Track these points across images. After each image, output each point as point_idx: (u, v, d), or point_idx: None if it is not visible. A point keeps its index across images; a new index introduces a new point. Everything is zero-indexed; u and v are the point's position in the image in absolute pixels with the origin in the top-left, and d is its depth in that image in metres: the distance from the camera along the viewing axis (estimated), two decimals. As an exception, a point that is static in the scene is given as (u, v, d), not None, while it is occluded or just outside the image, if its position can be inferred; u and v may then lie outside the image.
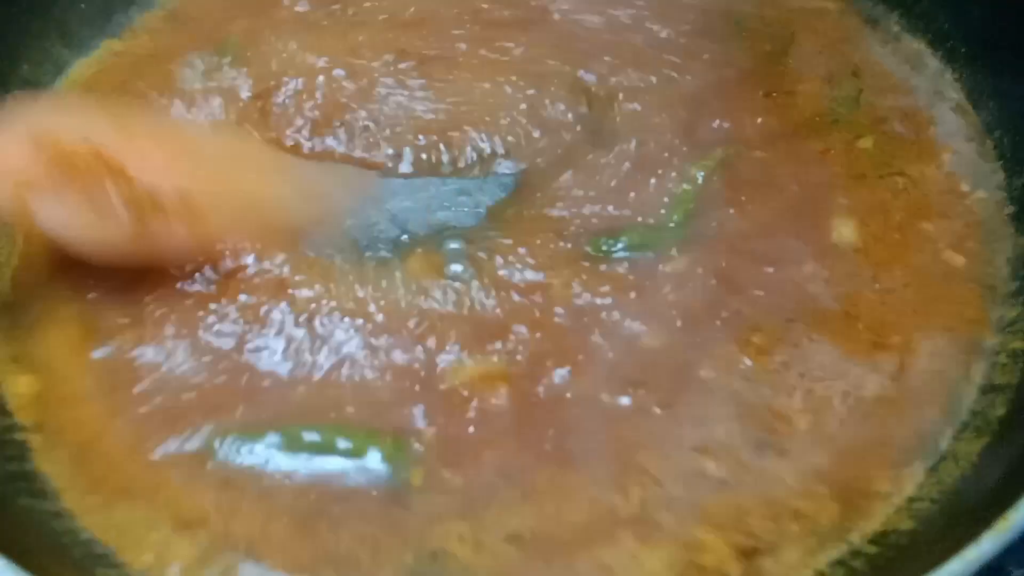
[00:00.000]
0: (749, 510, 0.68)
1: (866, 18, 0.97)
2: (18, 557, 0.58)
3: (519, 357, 0.74)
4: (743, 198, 0.83)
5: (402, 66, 0.92)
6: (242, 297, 0.77)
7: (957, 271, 0.80)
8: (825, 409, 0.73)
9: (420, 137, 0.87)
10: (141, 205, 0.70)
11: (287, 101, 0.90)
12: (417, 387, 0.73)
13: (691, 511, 0.68)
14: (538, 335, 0.75)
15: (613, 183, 0.84)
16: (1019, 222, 0.84)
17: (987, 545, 0.57)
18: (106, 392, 0.74)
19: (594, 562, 0.67)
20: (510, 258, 0.79)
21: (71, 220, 0.70)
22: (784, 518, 0.68)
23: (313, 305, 0.77)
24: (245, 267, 0.78)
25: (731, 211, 0.82)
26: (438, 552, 0.67)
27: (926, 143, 0.88)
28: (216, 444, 0.71)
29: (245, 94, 0.91)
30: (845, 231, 0.82)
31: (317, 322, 0.76)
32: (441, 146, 0.87)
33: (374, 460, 0.70)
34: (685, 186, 0.83)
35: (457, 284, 0.77)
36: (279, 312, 0.77)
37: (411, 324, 0.76)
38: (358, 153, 0.86)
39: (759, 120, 0.88)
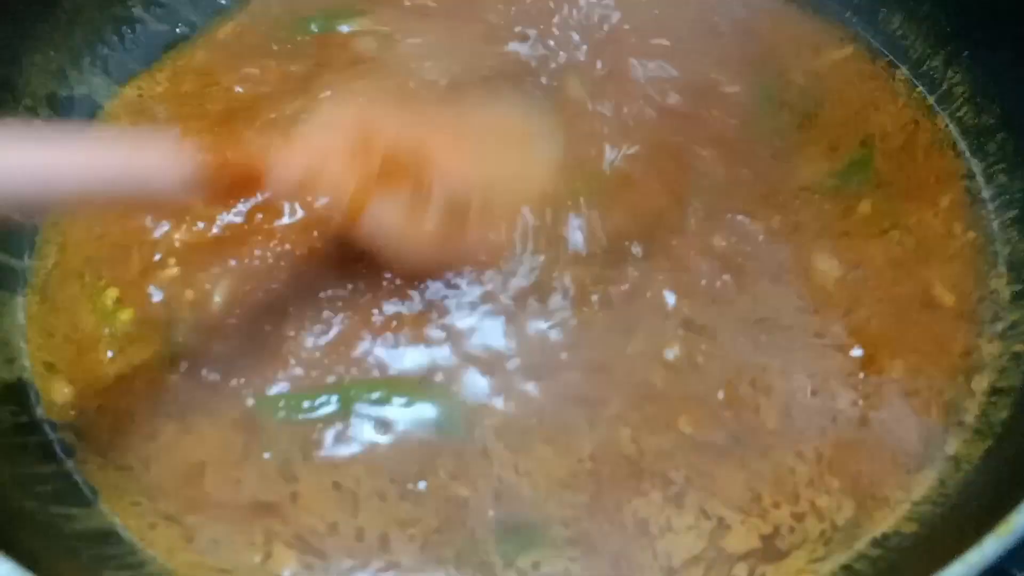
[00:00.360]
0: (763, 493, 0.70)
1: (877, 55, 0.96)
2: (23, 559, 0.58)
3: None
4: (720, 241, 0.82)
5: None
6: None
7: (946, 308, 0.80)
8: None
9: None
10: (454, 210, 0.72)
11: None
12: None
13: (696, 472, 0.71)
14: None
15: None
16: (1021, 224, 0.84)
17: (989, 548, 0.57)
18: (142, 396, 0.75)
19: (634, 515, 0.70)
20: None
21: (393, 223, 0.71)
22: (808, 516, 0.70)
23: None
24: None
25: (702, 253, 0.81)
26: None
27: (927, 188, 0.87)
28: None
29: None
30: (827, 268, 0.81)
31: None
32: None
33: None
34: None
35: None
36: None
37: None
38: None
39: (752, 182, 0.86)
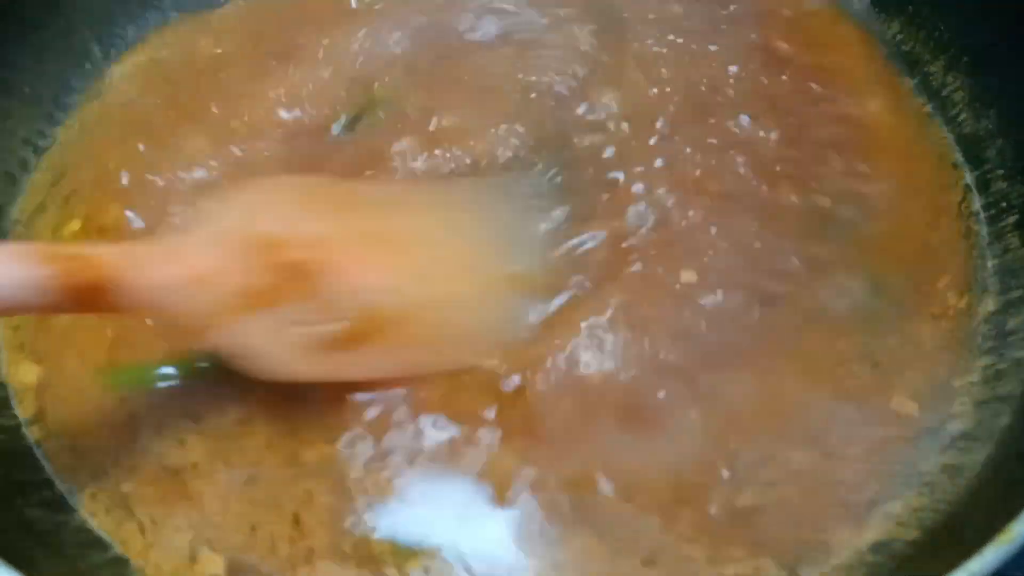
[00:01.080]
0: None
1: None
2: (19, 564, 0.58)
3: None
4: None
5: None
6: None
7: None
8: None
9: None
10: (349, 337, 0.63)
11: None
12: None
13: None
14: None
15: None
16: (1019, 230, 0.84)
17: (990, 556, 0.57)
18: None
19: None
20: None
21: (264, 347, 0.62)
22: None
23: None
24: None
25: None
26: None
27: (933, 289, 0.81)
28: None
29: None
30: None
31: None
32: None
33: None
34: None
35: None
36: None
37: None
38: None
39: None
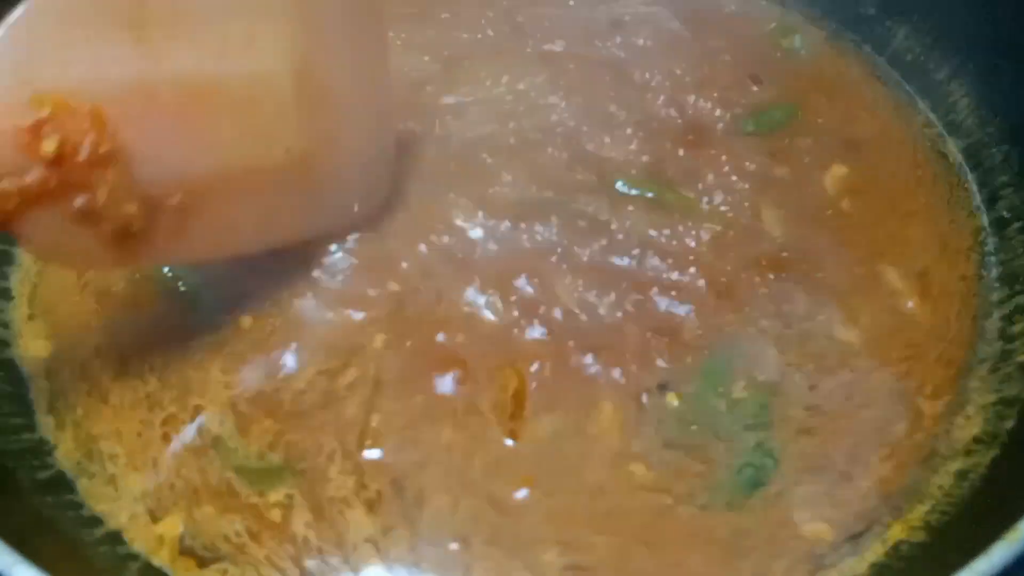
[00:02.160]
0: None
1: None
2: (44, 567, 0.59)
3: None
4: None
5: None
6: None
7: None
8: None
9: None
10: (140, 214, 0.53)
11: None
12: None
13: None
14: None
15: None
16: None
17: (997, 556, 0.58)
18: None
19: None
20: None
21: (57, 238, 0.52)
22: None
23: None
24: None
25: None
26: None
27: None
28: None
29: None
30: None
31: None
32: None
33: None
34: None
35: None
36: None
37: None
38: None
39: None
